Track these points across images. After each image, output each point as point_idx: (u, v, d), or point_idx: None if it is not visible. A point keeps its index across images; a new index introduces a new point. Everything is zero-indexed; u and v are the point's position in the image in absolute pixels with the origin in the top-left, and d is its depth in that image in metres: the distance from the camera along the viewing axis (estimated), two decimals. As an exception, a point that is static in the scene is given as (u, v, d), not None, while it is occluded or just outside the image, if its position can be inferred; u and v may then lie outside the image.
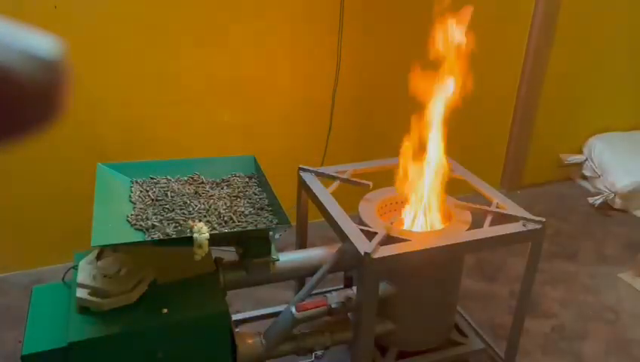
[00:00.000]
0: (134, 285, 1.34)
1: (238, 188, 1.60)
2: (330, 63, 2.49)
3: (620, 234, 2.78)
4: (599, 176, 3.15)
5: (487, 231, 1.60)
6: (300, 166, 1.91)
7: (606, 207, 3.03)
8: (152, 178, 1.61)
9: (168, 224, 1.38)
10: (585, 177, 3.29)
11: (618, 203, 3.01)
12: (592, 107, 3.25)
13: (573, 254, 2.61)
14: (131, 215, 1.42)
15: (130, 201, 1.49)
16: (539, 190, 3.19)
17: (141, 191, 1.53)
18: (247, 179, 1.66)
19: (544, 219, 1.61)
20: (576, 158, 3.29)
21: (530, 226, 1.60)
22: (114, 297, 1.31)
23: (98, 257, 1.39)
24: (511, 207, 1.71)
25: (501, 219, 1.67)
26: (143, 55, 2.21)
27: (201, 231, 1.29)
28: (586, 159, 3.27)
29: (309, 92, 2.54)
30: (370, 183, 1.82)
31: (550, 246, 2.63)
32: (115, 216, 1.40)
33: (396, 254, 1.47)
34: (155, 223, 1.38)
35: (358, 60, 2.54)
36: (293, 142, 2.59)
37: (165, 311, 1.33)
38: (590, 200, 3.06)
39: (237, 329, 1.73)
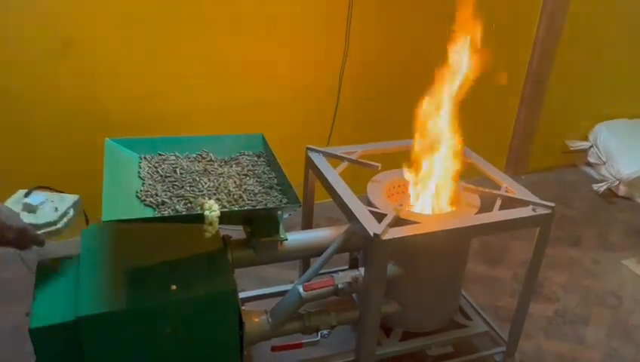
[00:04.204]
0: (59, 217, 1.34)
1: (247, 166, 1.59)
2: (339, 45, 2.46)
3: (624, 221, 2.79)
4: (604, 163, 3.14)
5: (497, 215, 1.59)
6: (308, 146, 1.90)
7: (610, 193, 3.03)
8: (160, 154, 1.60)
9: (178, 201, 1.37)
10: (589, 164, 3.28)
11: (622, 190, 3.01)
12: (599, 94, 3.23)
13: (576, 240, 2.62)
14: (141, 191, 1.41)
15: (139, 177, 1.48)
16: (544, 175, 3.18)
17: (150, 168, 1.52)
18: (255, 158, 1.65)
19: (554, 204, 1.60)
20: (582, 145, 3.28)
21: (540, 211, 1.59)
22: (40, 230, 1.31)
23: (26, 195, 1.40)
24: (520, 192, 1.70)
25: (510, 203, 1.66)
26: (153, 31, 2.18)
27: (212, 209, 1.28)
28: (592, 146, 3.26)
29: (316, 73, 2.51)
30: (379, 165, 1.81)
31: (554, 232, 2.61)
32: (125, 191, 1.39)
33: (405, 236, 1.46)
34: (164, 200, 1.37)
35: (367, 42, 2.51)
36: (300, 123, 2.57)
37: (174, 287, 1.32)
38: (594, 186, 3.06)
39: (243, 307, 1.74)
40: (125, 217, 1.25)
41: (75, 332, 1.26)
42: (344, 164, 1.84)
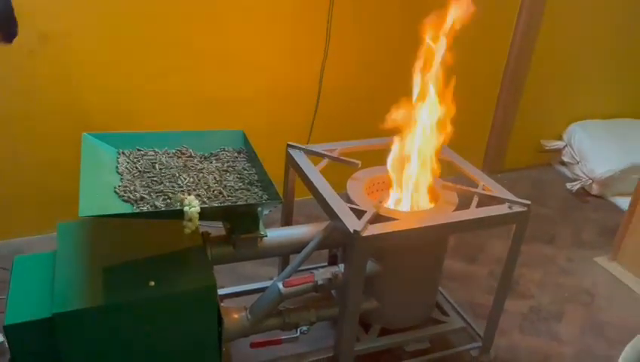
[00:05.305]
0: None
1: (227, 162, 1.58)
2: (320, 41, 2.47)
3: (597, 220, 2.85)
4: (578, 163, 3.21)
5: (474, 212, 1.61)
6: (289, 143, 1.90)
7: (583, 192, 3.10)
8: (139, 150, 1.58)
9: (157, 196, 1.36)
10: (564, 163, 3.35)
11: (595, 189, 3.08)
12: (574, 95, 3.30)
13: (551, 238, 2.67)
14: (119, 186, 1.39)
15: (117, 173, 1.46)
16: (519, 174, 3.24)
17: (128, 163, 1.50)
18: (236, 154, 1.64)
19: (529, 202, 1.64)
20: (557, 144, 3.35)
21: (516, 208, 1.63)
22: None
23: None
24: (497, 190, 1.73)
25: (487, 200, 1.69)
26: (133, 26, 2.16)
27: (192, 205, 1.27)
28: (566, 145, 3.32)
29: (297, 69, 2.51)
30: (359, 162, 1.82)
31: (529, 230, 2.66)
32: (102, 187, 1.37)
33: (385, 233, 1.48)
34: (143, 195, 1.35)
35: (347, 38, 2.52)
36: (280, 119, 2.57)
37: (152, 283, 1.31)
38: (568, 185, 3.12)
39: (222, 304, 1.73)
40: (102, 213, 1.24)
41: (51, 329, 1.24)
42: (325, 161, 1.85)
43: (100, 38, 2.13)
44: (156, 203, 1.33)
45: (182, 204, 1.28)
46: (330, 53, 2.49)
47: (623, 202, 2.77)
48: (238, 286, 1.99)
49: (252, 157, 1.61)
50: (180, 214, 1.27)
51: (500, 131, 3.14)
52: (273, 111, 2.56)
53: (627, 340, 1.49)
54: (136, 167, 1.48)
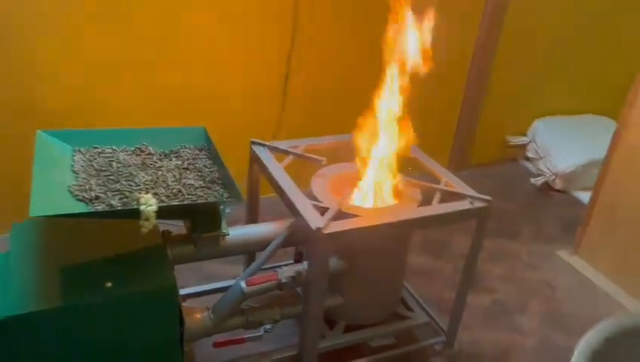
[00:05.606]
0: None
1: (188, 160, 1.56)
2: (285, 37, 2.45)
3: (559, 214, 2.92)
4: (541, 158, 3.27)
5: (436, 208, 1.63)
6: (253, 139, 1.88)
7: (547, 187, 3.17)
8: (95, 147, 1.54)
9: (113, 195, 1.33)
10: (528, 158, 3.42)
11: (558, 184, 3.14)
12: (538, 92, 3.36)
13: (514, 232, 2.72)
14: (73, 185, 1.35)
15: (73, 171, 1.42)
16: (485, 170, 3.29)
17: (84, 161, 1.46)
18: (197, 151, 1.62)
19: (490, 198, 1.66)
20: (521, 140, 3.41)
21: (477, 204, 1.65)
22: None
23: None
24: (459, 186, 1.75)
25: (449, 196, 1.71)
26: (92, 18, 2.10)
27: (149, 204, 1.24)
28: (530, 141, 3.39)
29: (262, 64, 2.49)
30: (324, 159, 1.82)
31: (493, 225, 2.72)
32: (56, 186, 1.33)
33: (347, 230, 1.48)
34: (99, 194, 1.32)
35: (313, 34, 2.51)
36: (247, 116, 2.54)
37: (109, 284, 1.29)
38: (532, 180, 3.19)
39: (184, 304, 1.71)
40: (54, 213, 1.20)
41: (4, 333, 1.20)
42: (289, 158, 1.84)
43: (56, 30, 2.06)
44: (112, 202, 1.30)
45: (138, 203, 1.25)
46: (296, 48, 2.47)
47: (585, 196, 2.83)
48: (202, 286, 1.97)
49: (214, 155, 1.59)
50: (136, 213, 1.25)
51: (466, 128, 3.18)
52: (239, 108, 2.53)
53: (586, 331, 1.52)
54: (93, 166, 1.44)
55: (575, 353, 1.21)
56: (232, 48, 2.41)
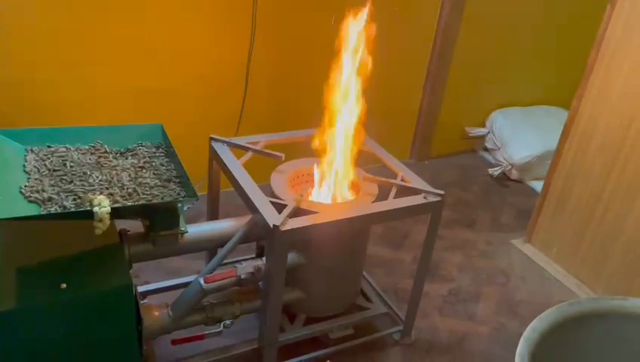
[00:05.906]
0: None
1: (144, 158, 1.55)
2: (245, 32, 2.44)
3: (515, 203, 3.01)
4: (499, 149, 3.36)
5: (391, 203, 1.67)
6: (212, 136, 1.88)
7: (504, 177, 3.26)
8: (49, 146, 1.52)
9: (66, 196, 1.31)
10: (487, 149, 3.50)
11: (515, 174, 3.24)
12: (496, 83, 3.44)
13: (472, 222, 2.80)
14: (25, 186, 1.33)
15: (25, 172, 1.40)
16: (445, 161, 3.36)
17: (37, 161, 1.44)
18: (154, 149, 1.61)
19: (443, 192, 1.71)
20: (480, 131, 3.49)
21: (431, 198, 1.69)
22: None
23: None
24: (414, 180, 1.79)
25: (405, 191, 1.75)
26: (45, 11, 2.04)
27: (102, 205, 1.24)
28: (488, 132, 3.47)
29: (222, 59, 2.48)
30: (282, 155, 1.83)
31: (452, 215, 2.80)
32: (7, 187, 1.31)
33: (304, 226, 1.50)
34: (51, 195, 1.31)
35: (274, 29, 2.51)
36: (207, 112, 2.53)
37: (63, 286, 1.28)
38: (490, 170, 3.27)
39: (145, 301, 1.71)
40: (5, 216, 1.19)
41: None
42: (248, 154, 1.85)
43: (11, 26, 2.01)
44: (65, 203, 1.29)
45: (91, 204, 1.24)
46: (256, 43, 2.47)
47: (540, 186, 2.93)
48: (163, 282, 1.97)
49: (171, 153, 1.59)
50: (90, 215, 1.24)
51: (426, 119, 3.24)
52: (200, 104, 2.52)
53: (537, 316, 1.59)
54: (46, 165, 1.42)
55: (521, 339, 1.27)
56: (191, 44, 2.38)
